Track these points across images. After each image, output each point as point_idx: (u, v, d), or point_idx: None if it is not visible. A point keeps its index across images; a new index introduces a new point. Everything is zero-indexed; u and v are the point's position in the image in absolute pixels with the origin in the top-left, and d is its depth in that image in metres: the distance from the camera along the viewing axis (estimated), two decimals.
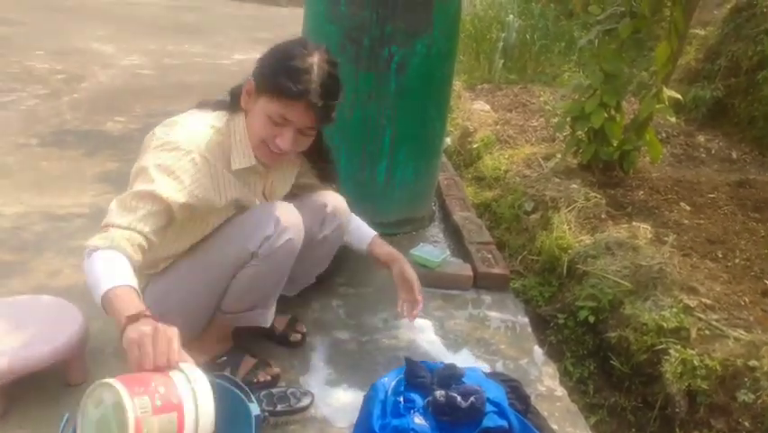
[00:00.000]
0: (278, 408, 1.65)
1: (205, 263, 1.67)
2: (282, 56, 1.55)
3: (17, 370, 1.58)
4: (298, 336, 2.05)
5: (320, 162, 1.89)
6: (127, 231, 1.42)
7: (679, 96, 3.27)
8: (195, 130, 1.58)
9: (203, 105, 1.69)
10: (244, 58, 6.32)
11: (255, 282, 1.69)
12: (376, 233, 2.00)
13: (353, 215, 2.00)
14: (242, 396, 1.31)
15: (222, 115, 1.64)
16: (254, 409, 1.28)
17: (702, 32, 4.77)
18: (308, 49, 1.56)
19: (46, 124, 4.00)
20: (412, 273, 1.92)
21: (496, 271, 2.52)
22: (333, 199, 1.92)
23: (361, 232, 2.00)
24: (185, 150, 1.52)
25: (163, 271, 1.71)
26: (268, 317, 1.81)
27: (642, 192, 3.28)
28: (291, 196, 1.90)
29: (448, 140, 4.25)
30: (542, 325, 2.51)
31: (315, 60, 1.54)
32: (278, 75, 1.51)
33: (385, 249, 1.97)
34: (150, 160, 1.51)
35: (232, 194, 1.64)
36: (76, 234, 2.62)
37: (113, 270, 1.32)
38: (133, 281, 1.31)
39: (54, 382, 1.73)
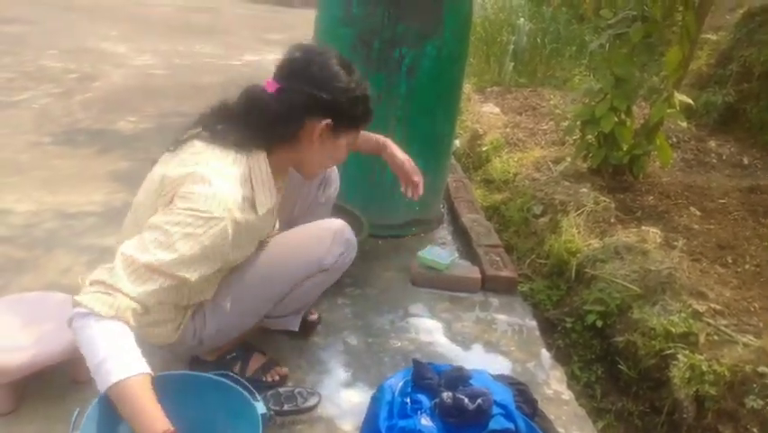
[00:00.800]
0: (285, 407, 1.66)
1: (270, 278, 1.68)
2: (345, 88, 1.54)
3: (29, 366, 1.59)
4: (315, 317, 2.12)
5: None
6: (134, 302, 1.30)
7: (690, 101, 3.25)
8: (227, 190, 1.41)
9: (203, 128, 1.53)
10: (255, 59, 6.36)
11: (309, 292, 1.77)
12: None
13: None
14: (248, 395, 1.32)
15: (239, 157, 1.48)
16: (260, 408, 1.29)
17: (714, 37, 4.75)
18: (350, 70, 1.58)
19: (58, 123, 4.03)
20: (401, 158, 2.02)
21: (504, 273, 2.52)
22: None
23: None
24: (218, 217, 1.37)
25: (220, 291, 1.66)
26: (297, 322, 1.88)
27: (652, 197, 3.26)
28: None
29: (457, 142, 4.25)
30: (549, 328, 2.50)
31: (355, 77, 1.59)
32: (357, 108, 1.59)
33: (371, 143, 2.02)
34: (176, 225, 1.35)
35: (256, 238, 1.66)
36: (87, 233, 2.65)
37: (121, 350, 1.24)
38: (146, 367, 1.24)
39: (62, 379, 1.75)
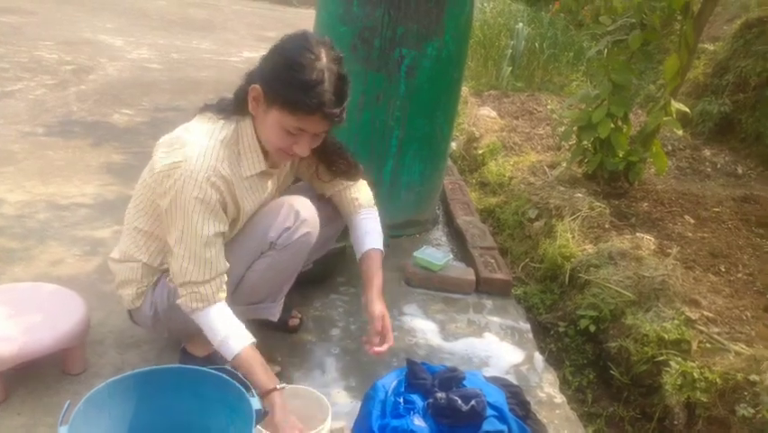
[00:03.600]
0: None
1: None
2: (291, 67, 1.46)
3: (19, 357, 1.58)
4: (296, 321, 2.10)
5: (335, 159, 1.85)
6: (212, 282, 1.56)
7: (686, 110, 3.26)
8: (204, 149, 1.52)
9: (205, 109, 1.63)
10: (253, 56, 6.33)
11: (269, 273, 1.71)
12: (374, 246, 1.86)
13: (368, 212, 1.92)
14: (243, 390, 1.31)
15: (227, 123, 1.58)
16: (255, 403, 1.28)
17: (711, 47, 4.77)
18: (315, 52, 1.47)
19: (53, 114, 4.01)
20: (378, 310, 1.78)
21: (498, 276, 2.52)
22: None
23: (365, 238, 1.88)
24: (204, 177, 1.49)
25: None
26: (276, 311, 1.82)
27: (646, 204, 3.27)
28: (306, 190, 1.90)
29: (453, 145, 4.25)
30: (542, 332, 2.51)
31: (325, 64, 1.47)
32: (291, 90, 1.46)
33: (370, 272, 1.83)
34: (179, 200, 1.50)
35: (248, 204, 1.65)
36: (79, 224, 2.63)
37: (233, 327, 1.56)
38: (251, 336, 1.57)
39: (53, 370, 1.73)
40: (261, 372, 1.52)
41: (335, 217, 1.92)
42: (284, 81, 1.47)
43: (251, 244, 1.68)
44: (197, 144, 1.53)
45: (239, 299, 1.72)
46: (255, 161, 1.62)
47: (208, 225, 1.53)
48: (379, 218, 1.92)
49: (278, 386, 1.51)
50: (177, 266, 1.55)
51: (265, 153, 1.64)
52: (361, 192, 1.90)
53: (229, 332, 1.55)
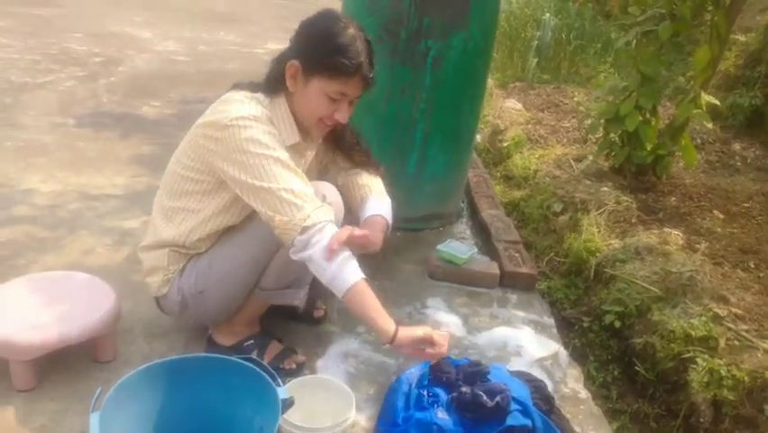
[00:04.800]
0: None
1: (248, 239, 1.69)
2: (326, 35, 1.58)
3: (51, 344, 1.62)
4: (321, 312, 2.12)
5: (353, 148, 1.90)
6: (311, 204, 1.54)
7: (717, 102, 3.20)
8: (252, 107, 1.61)
9: (237, 86, 1.70)
10: (278, 47, 6.34)
11: (291, 263, 1.68)
12: (386, 215, 1.84)
13: (380, 198, 1.88)
14: (270, 380, 1.32)
15: (261, 97, 1.66)
16: (282, 392, 1.29)
17: (743, 38, 4.67)
18: (344, 21, 1.61)
19: (83, 106, 4.07)
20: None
21: (523, 270, 2.50)
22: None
23: (373, 209, 1.84)
24: (263, 121, 1.58)
25: (197, 246, 1.72)
26: (302, 297, 1.82)
27: (674, 198, 3.23)
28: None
29: (478, 137, 4.23)
30: (566, 327, 2.49)
31: (355, 32, 1.59)
32: (331, 55, 1.56)
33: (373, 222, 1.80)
34: (245, 142, 1.54)
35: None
36: (110, 215, 2.68)
37: (345, 261, 1.55)
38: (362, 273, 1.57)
39: (83, 358, 1.77)
40: (376, 315, 1.55)
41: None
42: (322, 49, 1.57)
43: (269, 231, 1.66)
44: (245, 105, 1.60)
45: (267, 282, 1.74)
46: (291, 133, 1.68)
47: (275, 145, 1.56)
48: (390, 204, 1.89)
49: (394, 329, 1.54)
50: (267, 204, 1.54)
51: (299, 127, 1.69)
52: (374, 183, 1.90)
53: (342, 267, 1.53)
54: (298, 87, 1.63)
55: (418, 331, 1.57)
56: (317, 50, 1.58)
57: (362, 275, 1.55)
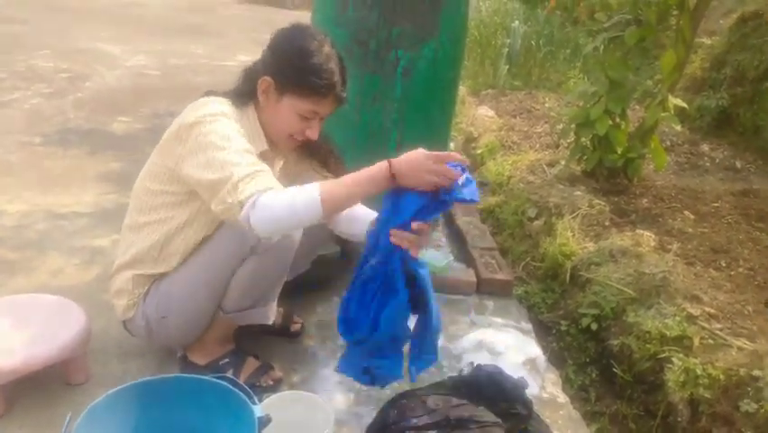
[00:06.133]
0: None
1: (206, 263, 1.66)
2: (300, 54, 1.57)
3: (20, 369, 1.58)
4: (298, 326, 2.09)
5: (325, 155, 1.89)
6: (261, 173, 1.47)
7: (684, 105, 3.26)
8: (221, 106, 1.59)
9: (210, 93, 1.69)
10: (248, 59, 6.31)
11: (255, 279, 1.68)
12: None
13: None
14: (246, 398, 1.30)
15: (233, 106, 1.63)
16: (258, 410, 1.27)
17: (708, 42, 4.77)
18: (318, 38, 1.60)
19: (50, 123, 4.00)
20: None
21: (499, 276, 2.51)
22: None
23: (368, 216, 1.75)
24: (231, 118, 1.56)
25: (165, 273, 1.70)
26: (269, 315, 1.80)
27: (646, 200, 3.27)
28: None
29: (451, 145, 4.24)
30: (544, 331, 2.50)
31: (329, 49, 1.60)
32: (306, 76, 1.56)
33: None
34: (209, 135, 1.49)
35: None
36: (78, 234, 2.63)
37: (299, 189, 1.42)
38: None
39: (55, 381, 1.73)
40: (358, 174, 1.43)
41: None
42: (296, 68, 1.57)
43: (230, 247, 1.64)
44: (211, 103, 1.59)
45: (229, 304, 1.71)
46: (259, 143, 1.65)
47: (237, 137, 1.51)
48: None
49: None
50: (213, 177, 1.45)
51: (267, 139, 1.68)
52: None
53: (298, 191, 1.42)
54: (270, 102, 1.63)
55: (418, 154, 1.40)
56: (291, 68, 1.57)
57: (315, 183, 1.44)
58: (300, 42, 1.59)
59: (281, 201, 1.41)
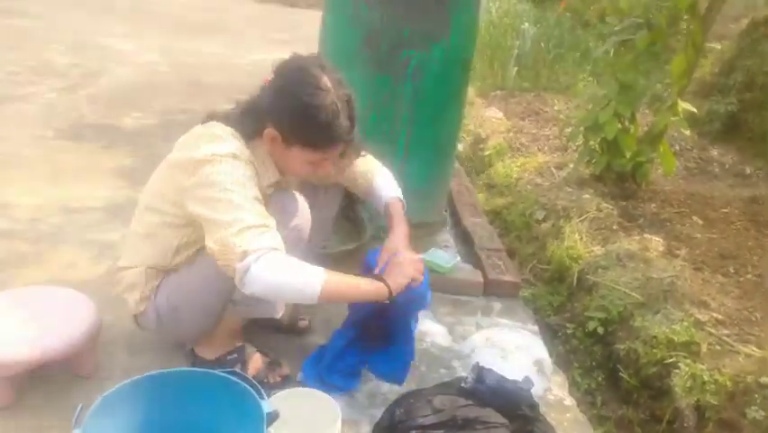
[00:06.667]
0: None
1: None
2: (306, 110, 1.51)
3: (30, 361, 1.59)
4: (305, 323, 2.11)
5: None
6: (269, 229, 1.48)
7: (694, 109, 3.26)
8: (231, 144, 1.55)
9: (211, 117, 1.65)
10: (260, 58, 6.35)
11: None
12: (395, 195, 1.94)
13: (381, 175, 1.96)
14: (254, 393, 1.32)
15: (238, 136, 1.59)
16: (266, 406, 1.29)
17: (718, 46, 4.76)
18: (322, 85, 1.51)
19: (63, 118, 4.03)
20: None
21: (506, 278, 2.52)
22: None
23: (382, 192, 1.93)
24: (241, 160, 1.52)
25: (178, 266, 1.71)
26: (278, 308, 1.83)
27: (654, 205, 3.27)
28: None
29: (460, 146, 4.25)
30: (550, 334, 2.51)
31: (334, 94, 1.51)
32: (311, 132, 1.53)
33: (393, 221, 1.88)
34: (216, 175, 1.47)
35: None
36: (91, 228, 2.65)
37: (303, 269, 1.49)
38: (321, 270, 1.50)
39: (63, 373, 1.75)
40: (359, 285, 1.58)
41: (325, 200, 1.95)
42: (302, 125, 1.54)
43: None
44: (220, 140, 1.55)
45: (238, 294, 1.71)
46: (271, 173, 1.65)
47: (249, 184, 1.50)
48: (392, 175, 1.98)
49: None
50: (218, 217, 1.44)
51: (278, 167, 1.67)
52: (369, 164, 1.95)
53: (301, 273, 1.47)
54: (278, 148, 1.60)
55: (404, 280, 1.63)
56: (298, 127, 1.54)
57: (322, 269, 1.49)
58: (303, 96, 1.50)
59: (284, 270, 1.45)
